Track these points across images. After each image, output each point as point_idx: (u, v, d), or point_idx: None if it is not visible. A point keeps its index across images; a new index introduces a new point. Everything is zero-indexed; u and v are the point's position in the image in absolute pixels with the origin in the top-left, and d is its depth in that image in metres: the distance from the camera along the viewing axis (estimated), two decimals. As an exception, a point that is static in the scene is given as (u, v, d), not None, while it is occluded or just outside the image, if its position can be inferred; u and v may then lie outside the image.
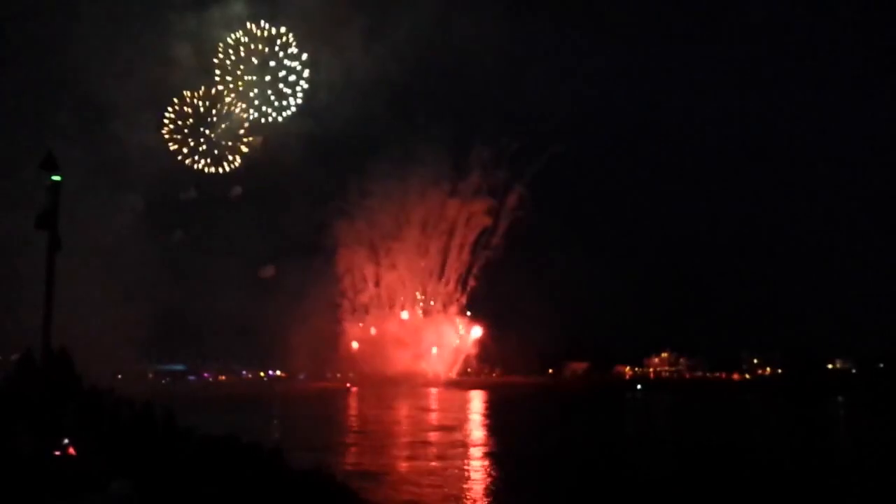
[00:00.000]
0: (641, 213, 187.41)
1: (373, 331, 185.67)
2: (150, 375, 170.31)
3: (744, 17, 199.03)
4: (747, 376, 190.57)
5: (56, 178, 25.48)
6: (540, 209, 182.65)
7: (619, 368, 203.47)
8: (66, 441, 14.26)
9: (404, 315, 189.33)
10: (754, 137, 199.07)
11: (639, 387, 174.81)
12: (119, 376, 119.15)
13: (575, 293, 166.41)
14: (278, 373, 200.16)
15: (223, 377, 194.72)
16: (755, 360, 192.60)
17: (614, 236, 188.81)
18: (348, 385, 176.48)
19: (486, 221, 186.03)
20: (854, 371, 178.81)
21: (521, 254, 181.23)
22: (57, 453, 13.70)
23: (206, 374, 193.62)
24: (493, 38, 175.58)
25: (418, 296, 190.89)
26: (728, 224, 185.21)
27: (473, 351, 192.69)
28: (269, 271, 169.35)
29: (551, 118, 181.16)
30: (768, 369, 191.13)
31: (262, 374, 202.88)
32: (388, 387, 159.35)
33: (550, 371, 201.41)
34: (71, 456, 13.97)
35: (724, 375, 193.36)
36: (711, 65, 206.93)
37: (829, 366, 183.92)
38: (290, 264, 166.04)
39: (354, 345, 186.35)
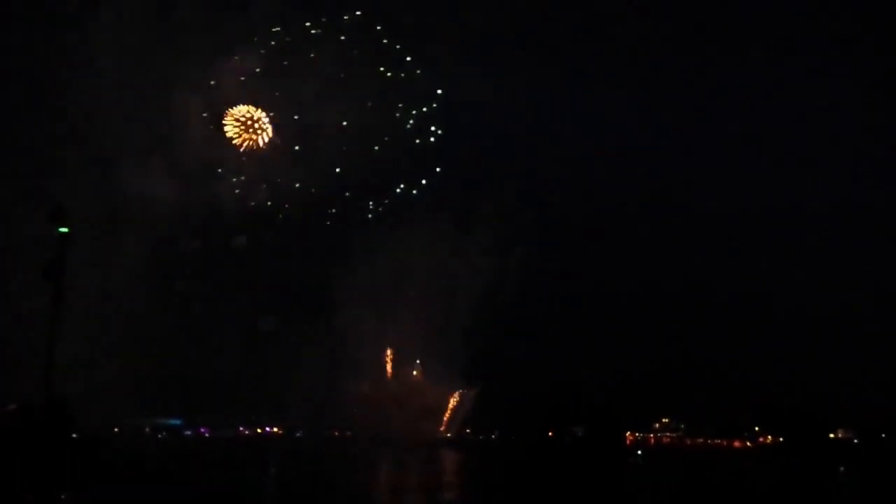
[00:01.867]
0: (645, 276, 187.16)
1: (372, 389, 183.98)
2: (147, 429, 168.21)
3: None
4: (748, 444, 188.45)
5: (63, 229, 25.64)
6: (544, 269, 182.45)
7: (620, 433, 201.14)
8: (63, 497, 14.11)
9: (404, 374, 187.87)
10: (756, 204, 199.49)
11: (639, 452, 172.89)
12: (115, 429, 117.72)
13: (577, 356, 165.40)
14: (275, 429, 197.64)
15: (219, 433, 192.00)
16: (756, 428, 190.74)
17: (618, 298, 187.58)
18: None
19: (489, 280, 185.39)
20: (856, 441, 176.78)
21: (524, 314, 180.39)
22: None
23: (202, 430, 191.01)
24: (501, 95, 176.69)
25: (418, 357, 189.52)
26: (731, 291, 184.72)
27: (472, 412, 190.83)
28: (268, 324, 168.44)
29: (558, 177, 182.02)
30: (769, 437, 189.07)
31: (258, 429, 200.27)
32: (384, 446, 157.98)
33: (550, 434, 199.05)
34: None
35: (724, 442, 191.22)
36: (734, 128, 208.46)
37: (831, 435, 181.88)
38: (290, 318, 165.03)
39: (353, 402, 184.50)
